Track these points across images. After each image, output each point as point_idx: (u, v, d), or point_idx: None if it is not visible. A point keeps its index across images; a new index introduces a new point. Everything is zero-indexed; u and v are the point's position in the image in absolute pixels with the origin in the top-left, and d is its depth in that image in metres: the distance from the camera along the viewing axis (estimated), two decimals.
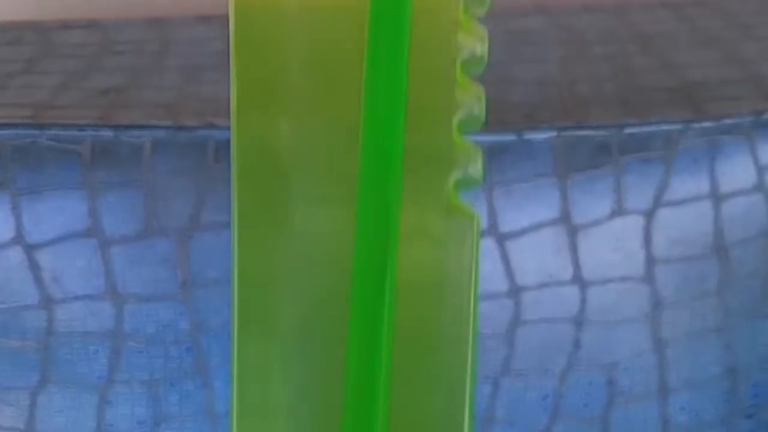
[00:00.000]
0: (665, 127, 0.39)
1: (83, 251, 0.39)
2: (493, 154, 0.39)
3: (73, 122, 0.38)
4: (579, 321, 0.41)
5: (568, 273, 0.40)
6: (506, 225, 0.40)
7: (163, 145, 0.38)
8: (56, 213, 0.38)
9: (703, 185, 0.40)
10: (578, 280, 0.40)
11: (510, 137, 0.39)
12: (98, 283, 0.39)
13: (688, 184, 0.40)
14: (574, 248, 0.40)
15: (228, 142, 0.38)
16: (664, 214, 0.40)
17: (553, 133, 0.39)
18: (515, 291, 0.40)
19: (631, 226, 0.40)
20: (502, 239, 0.40)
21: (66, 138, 0.38)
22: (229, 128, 0.37)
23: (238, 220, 0.23)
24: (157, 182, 0.38)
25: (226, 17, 0.52)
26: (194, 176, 0.38)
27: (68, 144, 0.38)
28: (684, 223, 0.40)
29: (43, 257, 0.39)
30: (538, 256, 0.40)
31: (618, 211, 0.40)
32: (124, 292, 0.39)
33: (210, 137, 0.38)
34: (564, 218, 0.40)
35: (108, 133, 0.38)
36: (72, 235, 0.39)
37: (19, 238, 0.38)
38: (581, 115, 0.40)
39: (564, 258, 0.40)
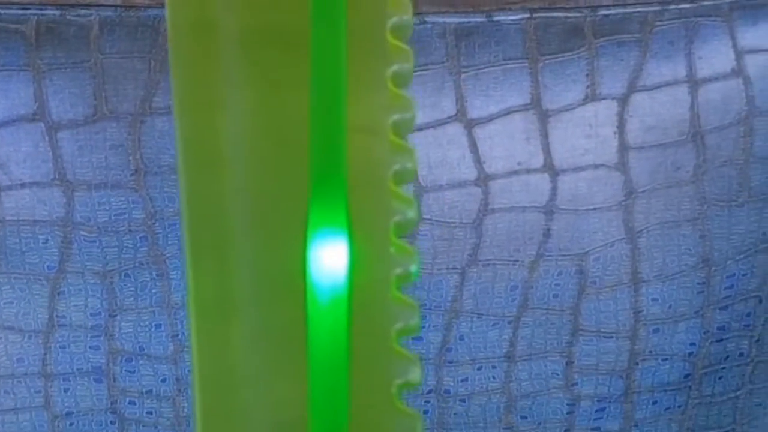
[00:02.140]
0: (641, 9, 0.38)
1: (29, 136, 0.38)
2: (462, 37, 0.38)
3: (16, 0, 0.37)
4: (549, 210, 0.40)
5: (538, 160, 0.40)
6: (475, 111, 0.39)
7: (112, 25, 0.37)
8: None
9: (679, 69, 0.39)
10: (549, 167, 0.40)
11: (479, 19, 0.38)
12: (46, 170, 0.38)
13: (663, 68, 0.39)
14: (545, 135, 0.40)
15: None
16: (638, 100, 0.39)
17: (525, 15, 0.38)
18: (484, 179, 0.40)
19: (604, 111, 0.40)
20: (470, 125, 0.39)
21: (8, 17, 0.37)
22: None
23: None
24: (106, 64, 0.37)
25: None
26: (146, 58, 0.37)
27: (11, 24, 0.37)
28: (659, 108, 0.40)
29: None
30: (508, 143, 0.39)
31: (591, 97, 0.39)
32: (73, 179, 0.38)
33: (162, 17, 0.37)
34: (535, 104, 0.39)
35: (53, 12, 0.37)
36: (17, 119, 0.38)
37: None
38: None
39: (534, 145, 0.40)
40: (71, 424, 0.41)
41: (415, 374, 0.22)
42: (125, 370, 0.41)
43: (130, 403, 0.41)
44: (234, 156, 0.23)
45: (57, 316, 0.40)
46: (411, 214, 0.22)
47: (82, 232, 0.39)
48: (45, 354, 0.40)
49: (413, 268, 0.22)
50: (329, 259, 0.21)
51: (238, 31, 0.23)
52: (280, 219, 0.23)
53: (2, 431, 0.40)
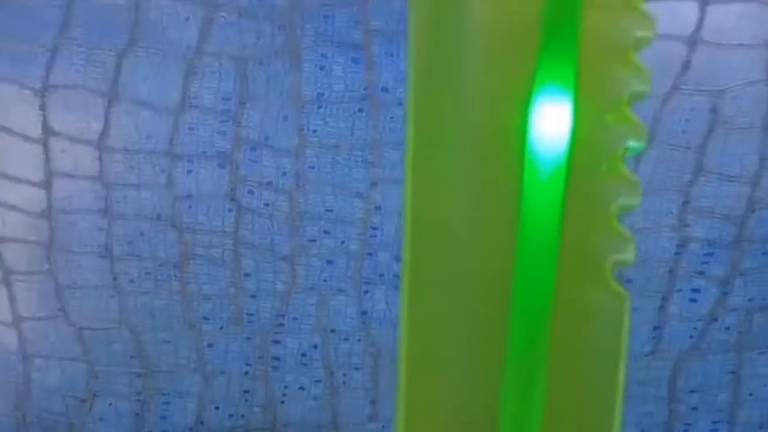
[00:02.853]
0: None
1: None
2: None
3: None
4: (693, 41, 0.40)
5: None
6: None
7: None
8: None
9: None
10: None
11: None
12: None
13: None
14: None
15: None
16: None
17: None
18: None
19: None
20: None
21: None
22: None
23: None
24: None
25: None
26: None
27: None
28: None
29: None
30: None
31: None
32: None
33: None
34: None
35: None
36: None
37: None
38: None
39: None
40: (190, 207, 0.41)
41: (630, 253, 0.22)
42: (248, 159, 0.41)
43: (248, 192, 0.41)
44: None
45: (189, 96, 0.40)
46: (645, 87, 0.21)
47: (222, 14, 0.39)
48: (173, 133, 0.41)
49: (641, 143, 0.22)
50: (552, 122, 0.21)
51: None
52: (505, 74, 0.22)
53: (123, 207, 0.41)
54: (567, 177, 0.21)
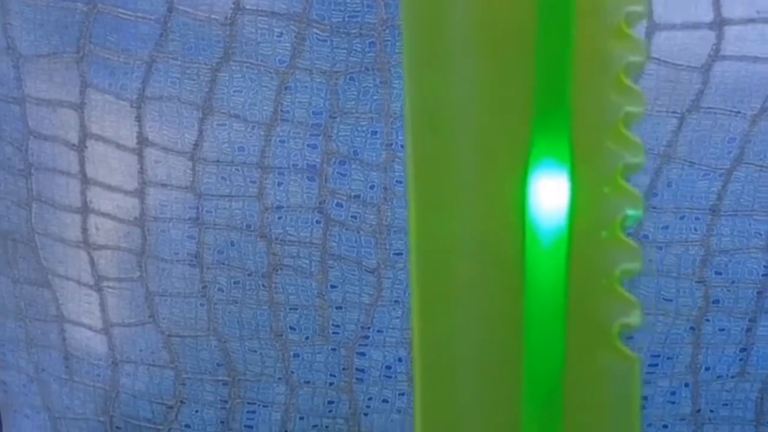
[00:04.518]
0: None
1: None
2: None
3: None
4: None
5: None
6: None
7: None
8: None
9: None
10: None
11: None
12: None
13: None
14: None
15: None
16: None
17: None
18: (719, 23, 0.40)
19: None
20: None
21: None
22: None
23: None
24: None
25: None
26: None
27: None
28: None
29: None
30: None
31: None
32: None
33: None
34: None
35: None
36: None
37: None
38: None
39: None
40: (279, 218, 0.43)
41: (635, 317, 0.22)
42: (337, 172, 0.42)
43: (337, 204, 0.42)
44: (460, 64, 0.23)
45: (281, 110, 0.41)
46: (638, 159, 0.22)
47: (315, 30, 0.40)
48: (265, 146, 0.42)
49: (639, 212, 0.22)
50: (550, 194, 0.21)
51: None
52: (501, 147, 0.22)
53: (214, 216, 0.42)
54: (569, 246, 0.21)
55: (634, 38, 0.22)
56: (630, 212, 0.22)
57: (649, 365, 0.45)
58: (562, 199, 0.21)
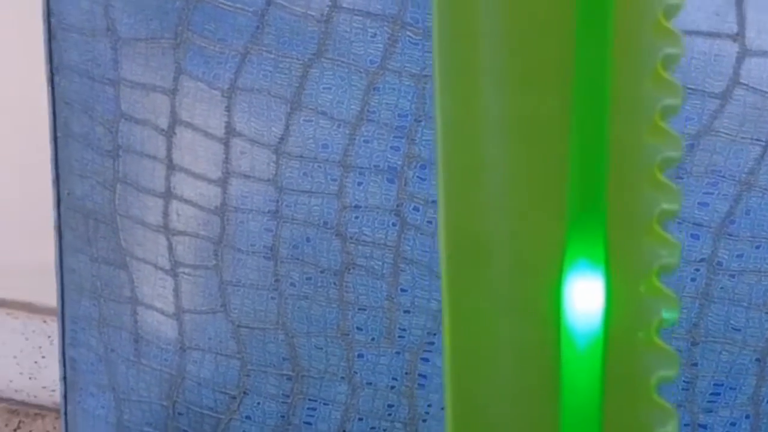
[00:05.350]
0: None
1: None
2: None
3: None
4: None
5: None
6: None
7: None
8: None
9: None
10: None
11: None
12: None
13: None
14: None
15: None
16: None
17: None
18: None
19: None
20: None
21: None
22: None
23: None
24: None
25: None
26: None
27: None
28: None
29: None
30: None
31: None
32: None
33: None
34: None
35: None
36: None
37: None
38: None
39: None
40: (356, 217, 0.43)
41: (672, 426, 0.22)
42: (417, 176, 0.43)
43: (414, 208, 0.43)
44: (492, 176, 0.22)
45: (368, 110, 0.42)
46: (673, 259, 0.22)
47: (408, 32, 0.41)
48: (348, 145, 0.42)
49: (674, 314, 0.22)
50: (585, 296, 0.21)
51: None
52: (535, 252, 0.22)
53: (293, 211, 0.43)
54: (605, 350, 0.21)
55: (672, 134, 0.22)
56: (665, 315, 0.22)
57: (711, 393, 0.45)
58: (597, 300, 0.21)
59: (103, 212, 0.45)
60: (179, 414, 0.47)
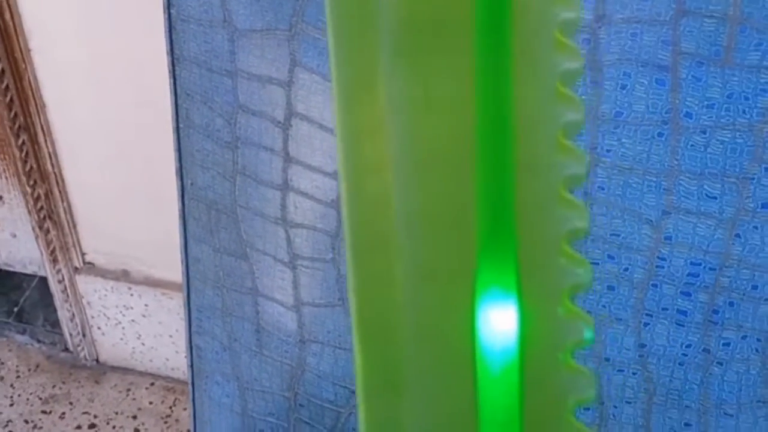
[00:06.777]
0: None
1: None
2: None
3: None
4: None
5: None
6: None
7: None
8: None
9: None
10: None
11: None
12: None
13: None
14: None
15: None
16: None
17: None
18: None
19: None
20: None
21: None
22: None
23: None
24: None
25: None
26: None
27: None
28: None
29: None
30: None
31: None
32: None
33: None
34: None
35: None
36: None
37: None
38: None
39: None
40: None
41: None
42: None
43: None
44: (400, 207, 0.22)
45: None
46: (585, 278, 0.21)
47: None
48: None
49: (588, 334, 0.21)
50: (499, 322, 0.21)
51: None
52: (447, 280, 0.22)
53: None
54: (521, 374, 0.21)
55: (576, 150, 0.21)
56: (581, 335, 0.21)
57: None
58: (511, 326, 0.21)
59: (224, 203, 0.45)
60: (300, 406, 0.47)
